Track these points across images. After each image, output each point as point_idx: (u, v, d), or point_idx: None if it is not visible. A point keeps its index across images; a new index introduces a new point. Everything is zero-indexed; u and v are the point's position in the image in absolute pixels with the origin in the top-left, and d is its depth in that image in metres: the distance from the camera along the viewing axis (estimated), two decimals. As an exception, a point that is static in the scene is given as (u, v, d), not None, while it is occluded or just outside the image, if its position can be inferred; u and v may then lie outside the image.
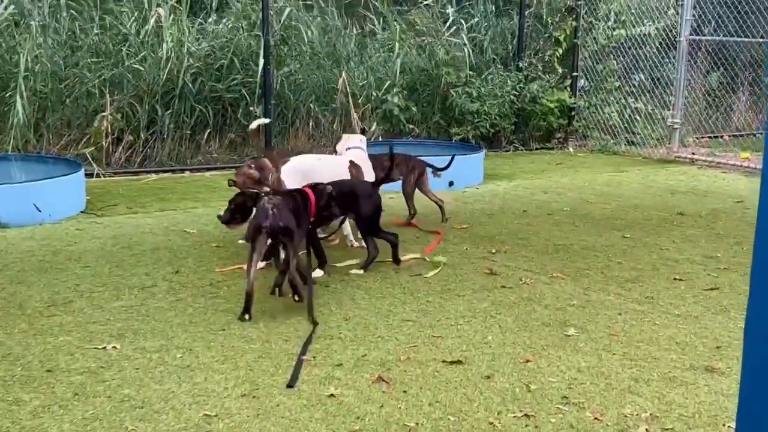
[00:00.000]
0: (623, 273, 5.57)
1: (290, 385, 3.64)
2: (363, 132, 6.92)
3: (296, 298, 4.66)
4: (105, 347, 4.04)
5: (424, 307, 4.76)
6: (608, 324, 4.51)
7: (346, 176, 5.94)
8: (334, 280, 5.25)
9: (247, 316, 4.48)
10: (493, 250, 6.13)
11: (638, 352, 4.11)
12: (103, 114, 9.44)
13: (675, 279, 5.45)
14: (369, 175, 6.13)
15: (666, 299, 5.00)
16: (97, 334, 4.23)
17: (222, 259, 5.67)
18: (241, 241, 5.87)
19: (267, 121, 6.60)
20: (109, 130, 9.48)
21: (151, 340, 4.15)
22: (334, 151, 6.61)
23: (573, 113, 13.03)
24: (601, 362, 3.98)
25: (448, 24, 12.44)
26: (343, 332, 4.32)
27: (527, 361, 3.96)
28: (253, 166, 5.93)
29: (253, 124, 6.47)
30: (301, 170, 5.88)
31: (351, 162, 6.11)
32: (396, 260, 5.60)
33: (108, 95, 9.49)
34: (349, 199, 5.41)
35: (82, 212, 7.25)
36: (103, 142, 9.46)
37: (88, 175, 9.02)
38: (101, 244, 6.14)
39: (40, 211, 6.72)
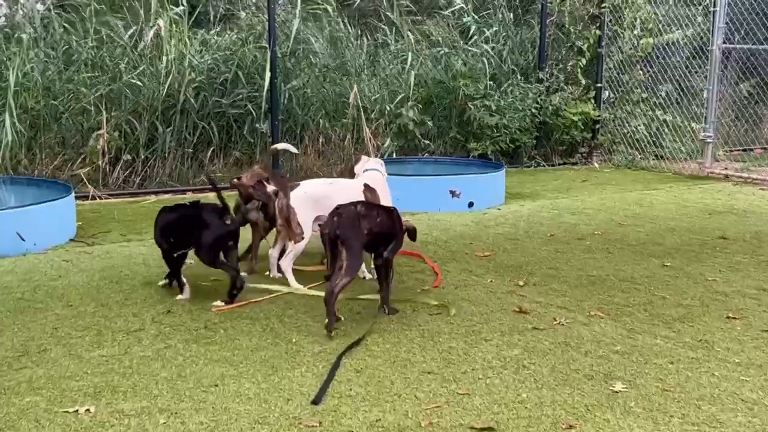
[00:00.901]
0: (669, 310, 5.00)
1: (315, 402, 3.59)
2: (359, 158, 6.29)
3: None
4: (77, 410, 3.50)
5: (446, 355, 4.20)
6: (660, 376, 3.95)
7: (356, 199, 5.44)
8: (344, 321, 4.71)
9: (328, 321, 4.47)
10: (521, 283, 5.57)
11: (699, 414, 3.54)
12: (100, 132, 8.98)
13: (728, 317, 4.87)
14: (386, 200, 5.60)
15: (722, 343, 4.43)
16: (70, 392, 3.70)
17: (221, 295, 5.13)
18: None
19: (294, 150, 6.12)
20: (106, 149, 9.02)
21: (132, 401, 3.61)
22: (351, 172, 6.08)
23: (597, 126, 12.48)
24: (657, 428, 3.41)
25: (465, 33, 11.92)
26: (354, 389, 3.77)
27: (570, 427, 3.40)
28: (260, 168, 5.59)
29: (279, 146, 5.99)
30: (312, 197, 5.37)
31: (366, 185, 5.58)
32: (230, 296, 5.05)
33: (105, 112, 9.03)
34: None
35: (71, 240, 6.75)
36: (100, 162, 8.99)
37: (83, 197, 8.58)
38: (88, 278, 5.62)
39: (23, 240, 6.23)
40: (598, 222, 7.86)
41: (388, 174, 6.08)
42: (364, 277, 5.55)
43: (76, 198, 8.52)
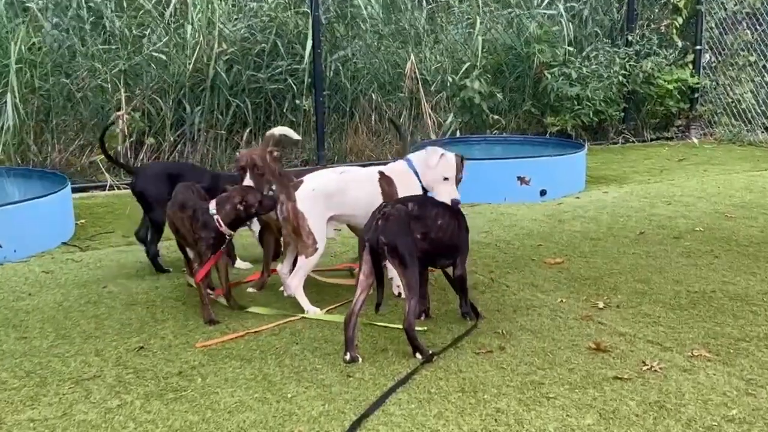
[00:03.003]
0: (802, 348, 3.80)
1: None
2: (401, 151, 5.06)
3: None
4: None
5: (491, 423, 3.12)
6: (799, 466, 2.79)
7: (377, 193, 4.41)
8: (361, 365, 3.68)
9: (347, 356, 3.68)
10: (600, 304, 4.44)
11: None
12: (119, 113, 8.12)
13: None
14: (410, 191, 4.47)
15: None
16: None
17: (216, 323, 4.17)
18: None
19: (296, 137, 5.04)
20: (127, 132, 8.15)
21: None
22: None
23: (696, 95, 11.25)
24: None
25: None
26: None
27: None
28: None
29: (277, 130, 4.94)
30: (323, 193, 4.32)
31: (381, 174, 4.51)
32: None
33: (124, 90, 8.14)
34: None
35: (64, 244, 5.89)
36: (120, 147, 8.13)
37: (100, 187, 7.75)
38: (62, 296, 4.73)
39: (0, 246, 5.37)
40: (698, 214, 6.62)
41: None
42: (399, 294, 4.50)
43: (92, 189, 7.76)
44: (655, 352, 3.76)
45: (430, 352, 3.71)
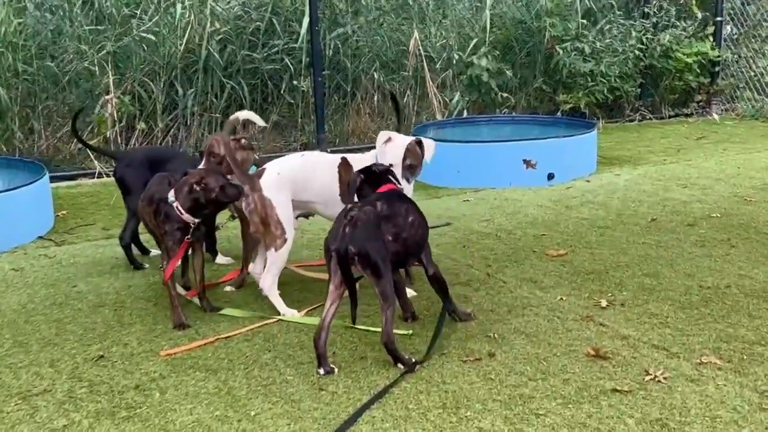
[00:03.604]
0: (824, 353, 3.47)
1: None
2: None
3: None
4: None
5: (471, 445, 2.82)
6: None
7: (334, 180, 4.14)
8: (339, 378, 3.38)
9: (321, 371, 3.36)
10: (603, 302, 4.11)
11: None
12: (107, 97, 7.83)
13: None
14: None
15: None
16: None
17: (187, 327, 3.89)
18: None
19: (261, 123, 4.73)
20: (116, 117, 7.87)
21: None
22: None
23: (717, 69, 10.82)
24: None
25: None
26: None
27: None
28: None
29: (242, 114, 4.62)
30: (289, 179, 4.03)
31: (343, 160, 4.19)
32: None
33: (113, 73, 7.86)
34: None
35: (39, 238, 5.63)
36: (109, 133, 7.85)
37: (89, 175, 7.49)
38: (28, 297, 4.47)
39: (-33, 242, 5.13)
40: (715, 198, 6.26)
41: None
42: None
43: (81, 177, 7.51)
44: (660, 358, 3.43)
45: (413, 360, 3.41)
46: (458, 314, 3.89)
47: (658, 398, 3.09)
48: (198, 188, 3.88)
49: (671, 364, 3.37)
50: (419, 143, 3.98)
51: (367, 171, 3.75)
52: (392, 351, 3.35)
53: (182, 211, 3.90)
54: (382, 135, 4.05)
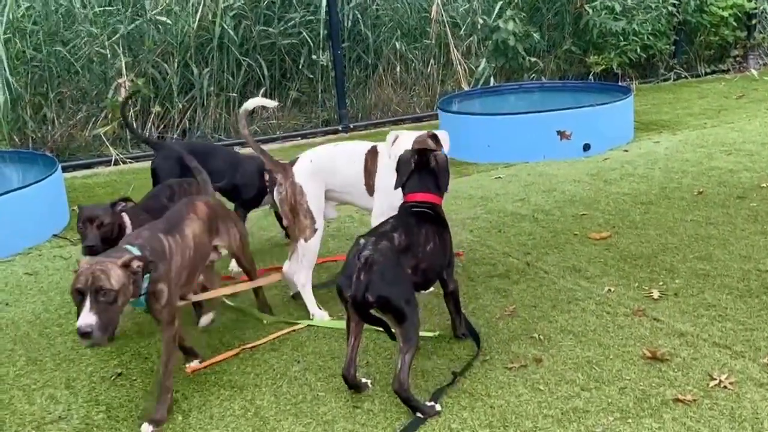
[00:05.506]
0: None
1: None
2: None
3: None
4: None
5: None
6: None
7: (361, 170, 3.91)
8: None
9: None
10: (655, 293, 3.83)
11: None
12: (120, 80, 7.59)
13: None
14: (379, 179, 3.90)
15: None
16: None
17: (207, 343, 3.68)
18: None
19: (272, 104, 4.43)
20: (131, 101, 7.63)
21: None
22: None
23: (754, 22, 10.37)
24: None
25: None
26: None
27: None
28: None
29: (251, 103, 4.33)
30: (321, 168, 3.83)
31: (373, 149, 3.93)
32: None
33: (124, 55, 7.61)
34: None
35: (54, 236, 5.43)
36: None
37: (104, 163, 7.29)
38: (43, 305, 4.29)
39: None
40: (764, 165, 5.94)
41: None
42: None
43: (97, 165, 7.31)
44: (724, 359, 3.16)
45: (434, 405, 2.95)
46: (465, 334, 3.50)
47: (726, 408, 2.83)
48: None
49: (736, 366, 3.10)
50: (433, 137, 3.68)
51: (420, 152, 3.40)
52: (406, 400, 2.90)
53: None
54: (391, 135, 3.81)
